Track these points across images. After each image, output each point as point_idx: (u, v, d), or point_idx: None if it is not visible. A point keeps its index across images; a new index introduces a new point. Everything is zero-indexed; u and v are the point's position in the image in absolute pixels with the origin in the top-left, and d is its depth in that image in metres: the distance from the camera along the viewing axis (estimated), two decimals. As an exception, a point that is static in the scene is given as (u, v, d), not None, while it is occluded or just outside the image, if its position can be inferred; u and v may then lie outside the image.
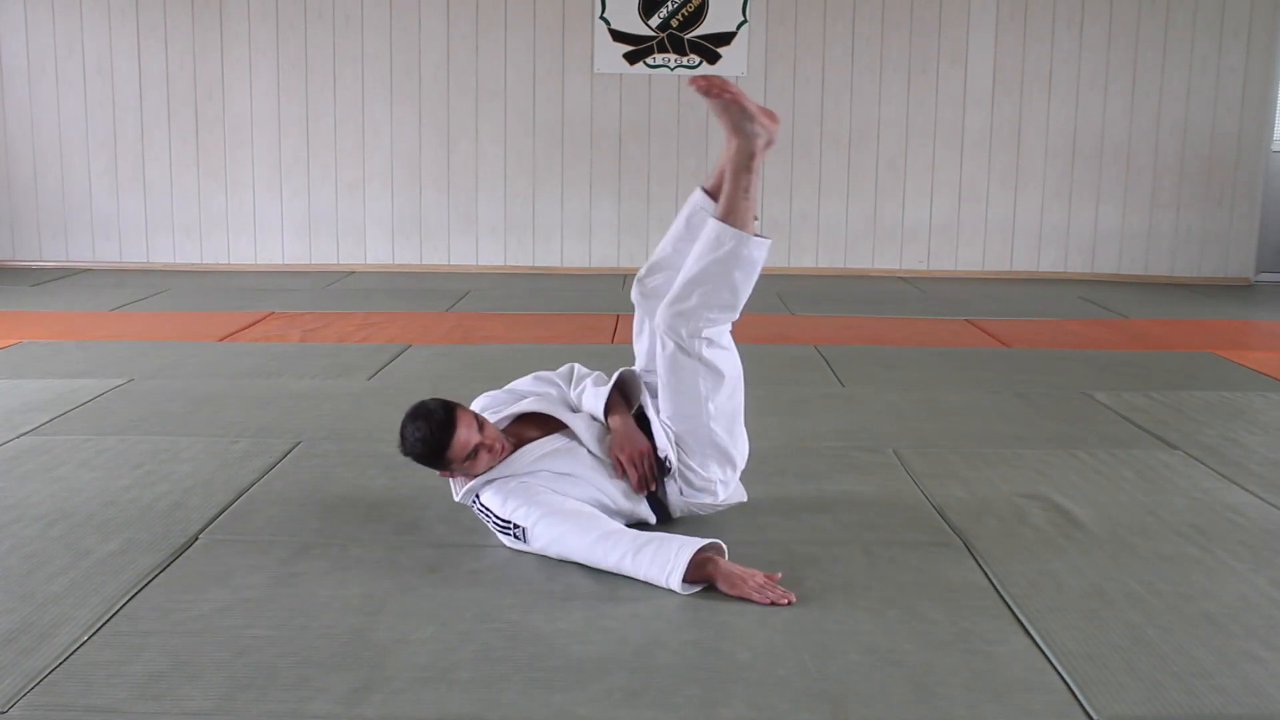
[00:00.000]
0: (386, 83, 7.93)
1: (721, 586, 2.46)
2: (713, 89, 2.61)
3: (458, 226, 8.11)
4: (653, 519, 2.83)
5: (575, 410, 2.91)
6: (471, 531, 2.86)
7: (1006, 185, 8.08)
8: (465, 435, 2.63)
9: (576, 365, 3.06)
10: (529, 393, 2.99)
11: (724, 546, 2.55)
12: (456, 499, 2.82)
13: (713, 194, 2.77)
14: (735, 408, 2.81)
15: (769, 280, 7.63)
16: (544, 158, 8.03)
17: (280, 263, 8.13)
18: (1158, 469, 3.47)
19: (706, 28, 7.86)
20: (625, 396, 2.91)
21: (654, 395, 2.86)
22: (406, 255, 8.13)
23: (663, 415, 2.80)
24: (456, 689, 2.06)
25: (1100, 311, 6.67)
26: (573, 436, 2.80)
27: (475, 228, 8.11)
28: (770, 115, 2.70)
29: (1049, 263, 8.15)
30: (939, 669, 2.16)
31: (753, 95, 2.80)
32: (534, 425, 2.86)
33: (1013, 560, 2.70)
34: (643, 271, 2.86)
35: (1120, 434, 3.88)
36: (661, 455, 2.77)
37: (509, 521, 2.65)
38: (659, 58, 7.90)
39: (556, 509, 2.63)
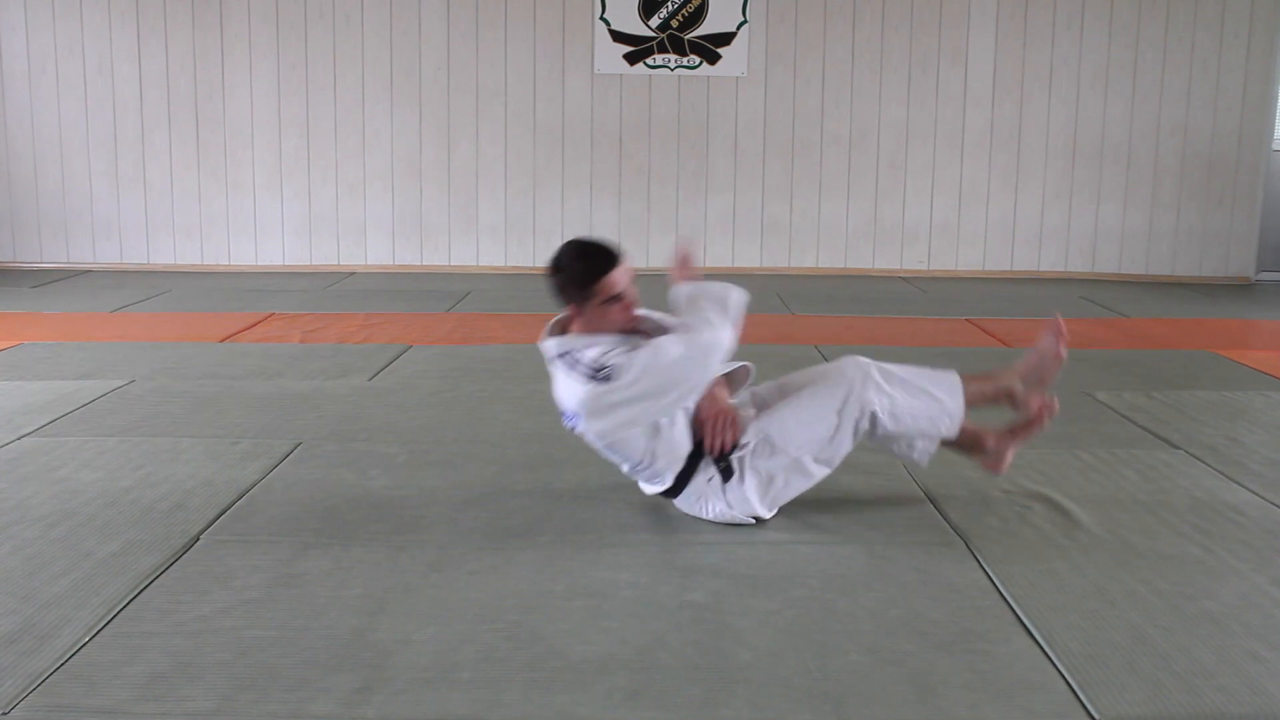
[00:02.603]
0: (387, 83, 7.93)
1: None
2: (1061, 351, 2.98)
3: (458, 227, 8.11)
4: (669, 481, 2.85)
5: None
6: (472, 532, 2.86)
7: (1007, 185, 8.08)
8: (628, 272, 2.78)
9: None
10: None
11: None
12: (542, 345, 2.84)
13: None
14: (807, 480, 2.86)
15: (769, 280, 7.69)
16: (544, 158, 8.04)
17: (281, 263, 8.13)
18: (1159, 468, 3.47)
19: (706, 28, 7.86)
20: (730, 382, 2.99)
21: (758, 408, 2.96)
22: (407, 256, 8.13)
23: (768, 428, 2.83)
24: (457, 689, 2.06)
25: (1101, 311, 6.66)
26: None
27: (475, 228, 8.11)
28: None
29: (1049, 262, 8.15)
30: (940, 669, 2.16)
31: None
32: (647, 336, 2.89)
33: (1014, 560, 2.70)
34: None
35: (1121, 433, 3.88)
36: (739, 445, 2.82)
37: (601, 366, 2.69)
38: (659, 58, 7.90)
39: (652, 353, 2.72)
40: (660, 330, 2.86)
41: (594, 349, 2.75)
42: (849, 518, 2.97)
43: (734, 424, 2.83)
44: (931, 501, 3.11)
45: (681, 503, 2.92)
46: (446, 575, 2.58)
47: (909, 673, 2.14)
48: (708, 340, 2.71)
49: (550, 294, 2.88)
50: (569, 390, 2.78)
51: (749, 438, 2.82)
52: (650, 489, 2.95)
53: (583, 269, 2.76)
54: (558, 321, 2.91)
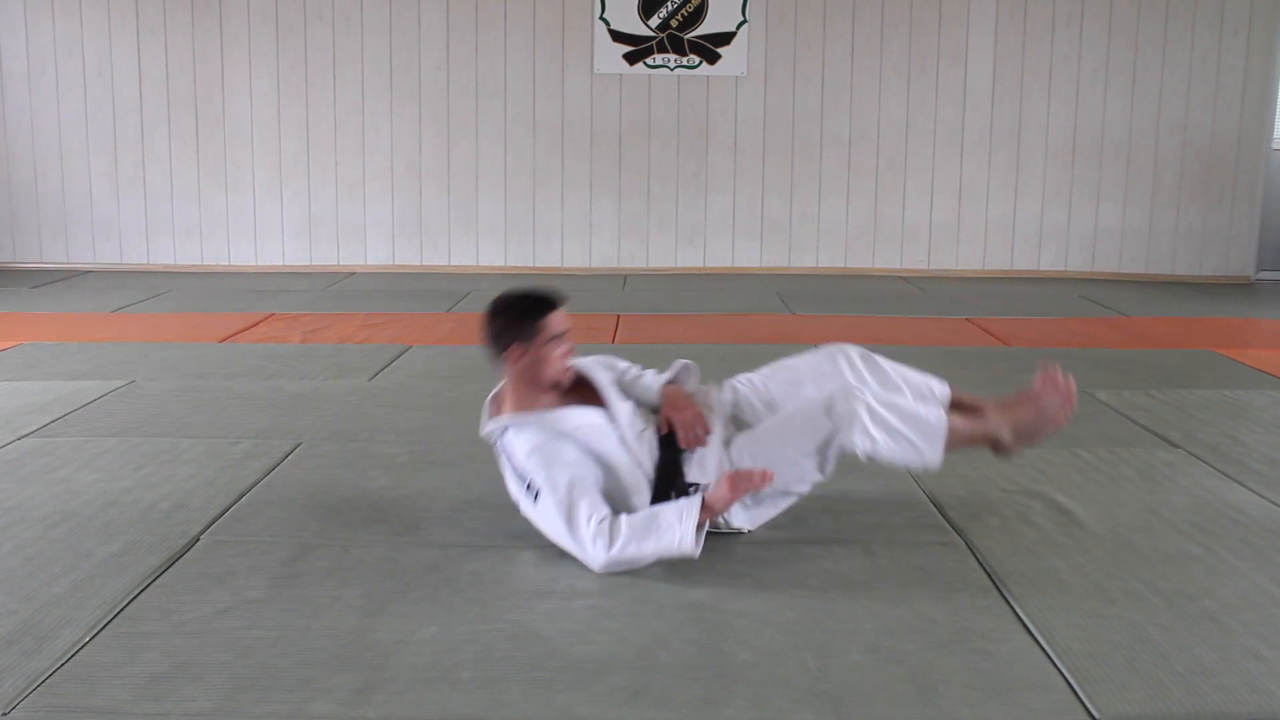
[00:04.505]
0: (386, 84, 7.93)
1: (715, 494, 2.59)
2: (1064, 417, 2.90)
3: (458, 227, 8.11)
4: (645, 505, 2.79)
5: (623, 399, 2.91)
6: (472, 532, 2.86)
7: (1007, 184, 8.08)
8: (564, 316, 2.77)
9: (641, 365, 3.07)
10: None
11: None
12: (483, 431, 2.82)
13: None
14: (784, 501, 2.83)
15: (769, 280, 7.69)
16: (544, 158, 8.03)
17: (281, 264, 8.14)
18: (1159, 467, 3.47)
19: (706, 28, 7.86)
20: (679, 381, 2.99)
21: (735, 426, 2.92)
22: (407, 256, 8.13)
23: (742, 451, 2.79)
24: (458, 690, 2.06)
25: (1101, 310, 6.66)
26: (612, 419, 2.79)
27: (475, 228, 8.11)
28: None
29: (1049, 262, 8.15)
30: (941, 668, 2.16)
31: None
32: (581, 395, 2.85)
33: (1014, 559, 2.70)
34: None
35: (1121, 432, 3.88)
36: (698, 480, 2.77)
37: (526, 474, 2.66)
38: (659, 58, 7.90)
39: (571, 486, 2.62)
40: (591, 385, 2.83)
41: (524, 444, 2.69)
42: (849, 518, 2.97)
43: (702, 421, 2.83)
44: (931, 501, 3.11)
45: None
46: (446, 575, 2.58)
47: (909, 672, 2.14)
48: (590, 556, 2.57)
49: (487, 350, 2.81)
50: (508, 482, 2.76)
51: (701, 477, 2.77)
52: None
53: (527, 305, 2.76)
54: (494, 398, 2.88)
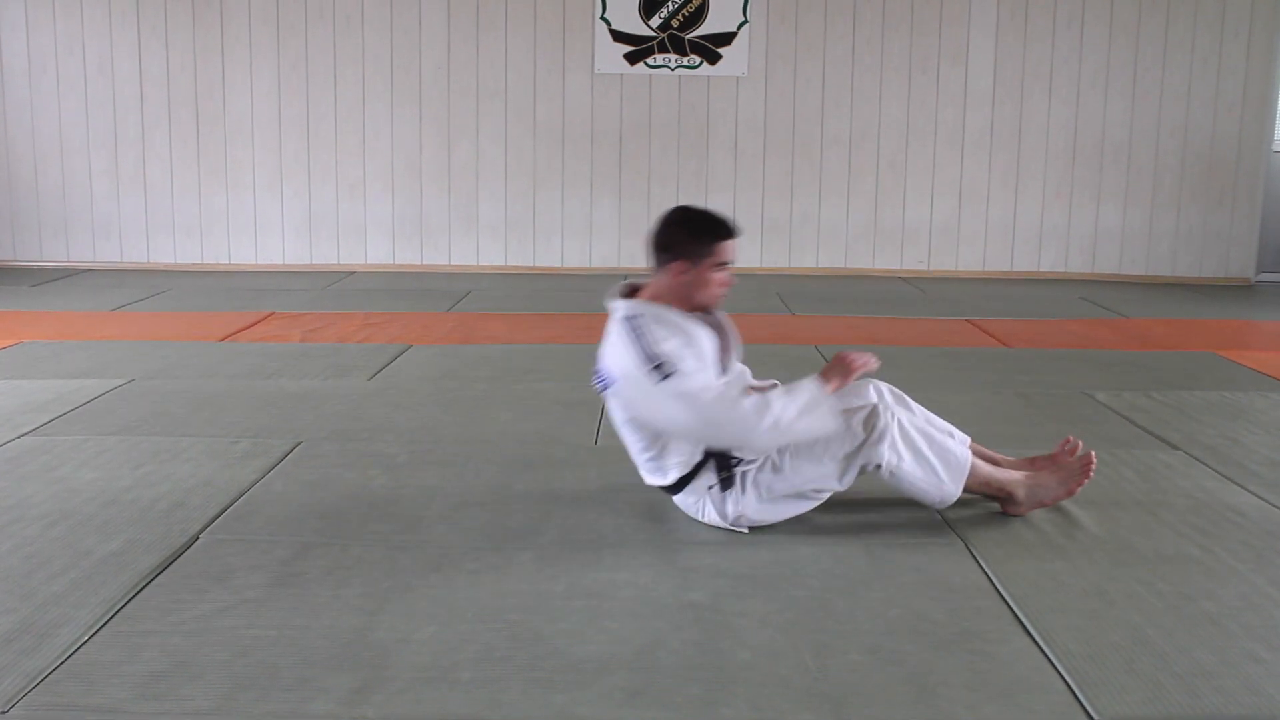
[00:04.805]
0: (387, 83, 7.93)
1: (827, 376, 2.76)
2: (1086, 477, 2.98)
3: (458, 226, 8.11)
4: (671, 478, 2.86)
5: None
6: (472, 532, 2.86)
7: (1007, 185, 8.08)
8: (735, 247, 2.83)
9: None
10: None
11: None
12: (611, 303, 2.85)
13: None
14: (801, 506, 2.87)
15: (769, 280, 7.69)
16: (544, 158, 8.03)
17: (281, 263, 8.13)
18: (1158, 469, 3.47)
19: (707, 28, 7.86)
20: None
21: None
22: (407, 255, 8.13)
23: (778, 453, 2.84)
24: (457, 689, 2.06)
25: (1101, 311, 6.66)
26: (724, 367, 2.88)
27: (476, 228, 8.11)
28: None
29: (1049, 263, 8.15)
30: (940, 669, 2.16)
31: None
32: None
33: (1014, 560, 2.70)
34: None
35: (1121, 434, 3.88)
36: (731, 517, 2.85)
37: (660, 356, 2.68)
38: (659, 58, 7.90)
39: (709, 369, 2.74)
40: (725, 334, 2.89)
41: (663, 330, 2.74)
42: (849, 518, 2.97)
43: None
44: (931, 502, 3.11)
45: (680, 500, 2.92)
46: (446, 575, 2.59)
47: (909, 673, 2.14)
48: (753, 422, 2.66)
49: (655, 246, 2.84)
50: (619, 356, 2.77)
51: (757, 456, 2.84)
52: (651, 479, 2.94)
53: (707, 224, 2.82)
54: (628, 285, 2.93)
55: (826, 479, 2.81)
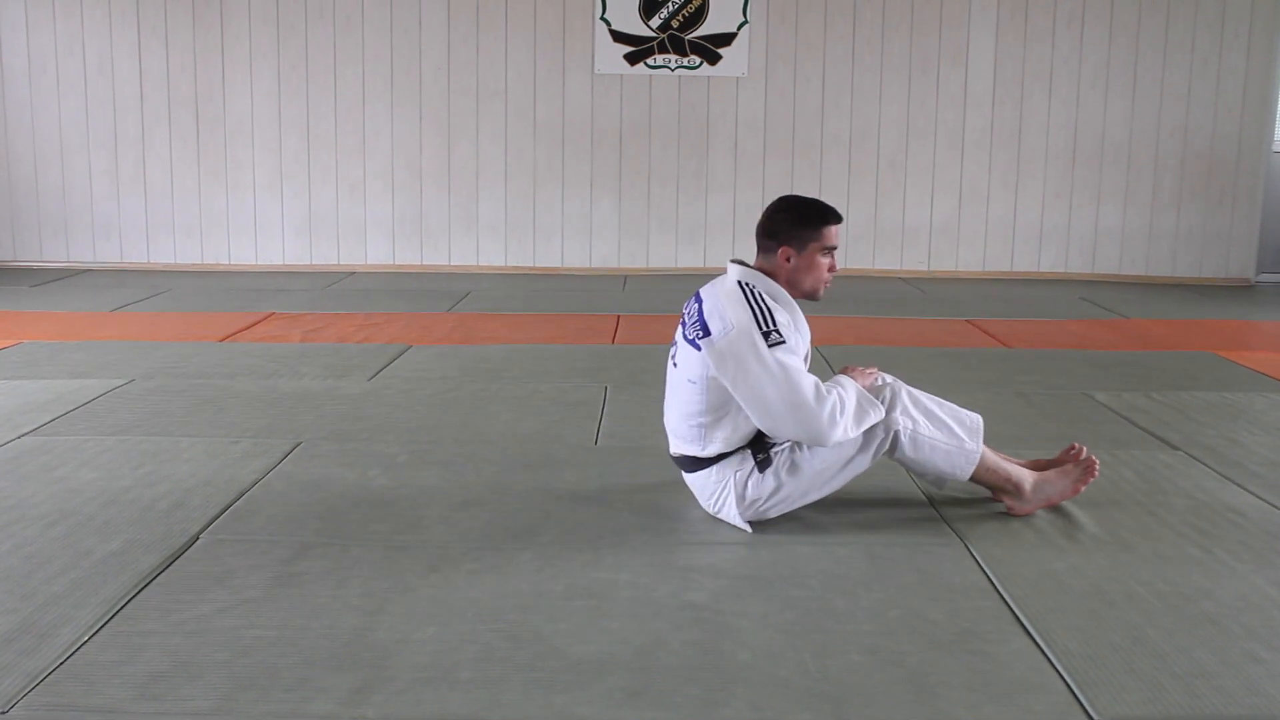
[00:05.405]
0: (387, 83, 7.93)
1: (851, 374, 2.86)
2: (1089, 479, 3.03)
3: (458, 227, 8.11)
4: (708, 450, 2.88)
5: None
6: (472, 532, 2.86)
7: (1007, 185, 8.08)
8: (839, 233, 2.88)
9: None
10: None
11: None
12: (731, 274, 2.86)
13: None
14: (817, 492, 2.90)
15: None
16: (544, 158, 8.04)
17: (281, 263, 8.13)
18: (1158, 469, 3.47)
19: (707, 28, 7.87)
20: None
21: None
22: (407, 256, 8.13)
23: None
24: (457, 689, 2.06)
25: (1101, 312, 6.66)
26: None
27: (476, 228, 8.11)
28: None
29: (1049, 263, 8.15)
30: (940, 669, 2.16)
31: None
32: None
33: (1013, 560, 2.70)
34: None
35: (1121, 434, 3.88)
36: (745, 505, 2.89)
37: (772, 325, 2.72)
38: (659, 58, 7.90)
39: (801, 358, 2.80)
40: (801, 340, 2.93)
41: (779, 309, 2.78)
42: (849, 518, 2.97)
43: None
44: (931, 502, 3.11)
45: (701, 477, 2.92)
46: (446, 575, 2.59)
47: (908, 673, 2.14)
48: (825, 429, 2.70)
49: (761, 234, 2.87)
50: (729, 309, 2.77)
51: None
52: (684, 448, 2.93)
53: (819, 209, 2.84)
54: (737, 261, 2.94)
55: (844, 459, 2.83)
